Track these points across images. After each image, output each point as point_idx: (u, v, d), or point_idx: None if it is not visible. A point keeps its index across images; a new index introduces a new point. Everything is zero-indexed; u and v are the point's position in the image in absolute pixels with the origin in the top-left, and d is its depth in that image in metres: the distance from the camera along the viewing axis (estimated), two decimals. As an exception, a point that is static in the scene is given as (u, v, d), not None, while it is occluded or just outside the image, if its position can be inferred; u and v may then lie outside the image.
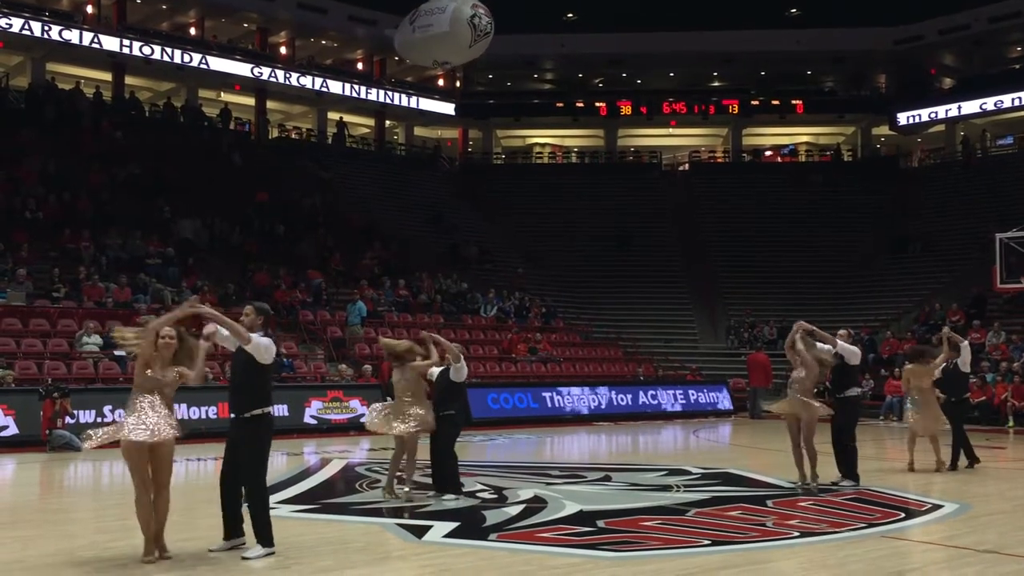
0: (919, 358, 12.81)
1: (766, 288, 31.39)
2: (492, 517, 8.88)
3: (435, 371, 10.18)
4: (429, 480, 10.32)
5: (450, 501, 9.70)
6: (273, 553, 7.17)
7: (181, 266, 22.76)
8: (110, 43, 31.64)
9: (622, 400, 23.10)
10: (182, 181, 26.82)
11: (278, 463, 13.44)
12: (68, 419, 14.84)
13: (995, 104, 37.20)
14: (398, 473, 10.19)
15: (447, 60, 18.02)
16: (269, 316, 7.59)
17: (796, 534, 8.36)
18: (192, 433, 12.42)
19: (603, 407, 22.60)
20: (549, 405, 21.81)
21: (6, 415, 14.99)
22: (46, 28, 30.38)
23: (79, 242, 21.97)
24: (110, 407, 15.41)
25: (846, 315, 28.80)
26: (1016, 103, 36.60)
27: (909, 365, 12.99)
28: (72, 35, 30.99)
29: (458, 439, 10.45)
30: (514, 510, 9.26)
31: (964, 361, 12.98)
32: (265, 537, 7.21)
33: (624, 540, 7.90)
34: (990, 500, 10.74)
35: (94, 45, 31.36)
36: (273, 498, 9.83)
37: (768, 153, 43.84)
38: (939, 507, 9.75)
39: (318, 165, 33.64)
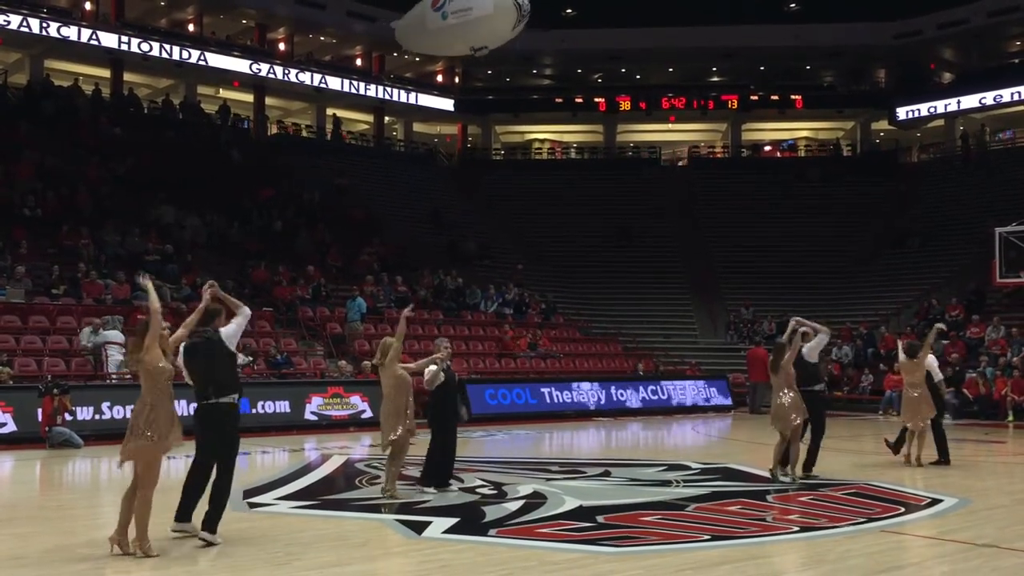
0: (911, 353, 12.85)
1: (765, 283, 31.32)
2: (492, 513, 8.88)
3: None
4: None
5: (441, 494, 9.71)
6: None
7: (180, 263, 22.73)
8: (108, 40, 31.56)
9: (621, 396, 23.10)
10: (181, 178, 26.74)
11: (279, 459, 13.46)
12: (67, 416, 14.81)
13: (994, 98, 37.19)
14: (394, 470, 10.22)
15: (485, 45, 17.12)
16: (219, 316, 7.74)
17: (795, 529, 8.37)
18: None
19: (602, 403, 22.60)
20: (548, 401, 21.80)
21: (4, 412, 14.97)
22: (44, 25, 30.29)
23: (78, 239, 21.91)
24: (108, 403, 15.39)
25: (845, 310, 28.85)
26: (1015, 97, 36.57)
27: (903, 359, 13.01)
28: (70, 32, 30.95)
29: (457, 435, 10.46)
30: (514, 506, 9.25)
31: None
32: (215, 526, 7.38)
33: (624, 535, 7.91)
34: (989, 494, 10.76)
35: (92, 42, 31.28)
36: (273, 494, 9.89)
37: (767, 148, 43.81)
38: (938, 501, 9.76)
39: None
